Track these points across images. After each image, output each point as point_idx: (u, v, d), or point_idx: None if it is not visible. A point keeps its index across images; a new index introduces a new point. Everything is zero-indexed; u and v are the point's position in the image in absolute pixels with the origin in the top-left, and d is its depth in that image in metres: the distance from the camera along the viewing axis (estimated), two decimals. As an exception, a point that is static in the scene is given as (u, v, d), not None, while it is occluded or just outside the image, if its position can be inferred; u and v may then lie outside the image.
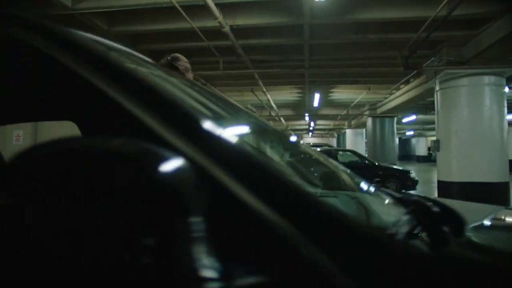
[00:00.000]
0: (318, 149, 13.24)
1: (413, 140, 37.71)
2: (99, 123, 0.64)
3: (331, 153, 11.56)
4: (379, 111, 15.64)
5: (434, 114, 16.68)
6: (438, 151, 7.73)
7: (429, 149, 29.64)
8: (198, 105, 0.81)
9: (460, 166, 7.33)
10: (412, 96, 10.72)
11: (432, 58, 7.63)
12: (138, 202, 0.42)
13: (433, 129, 28.24)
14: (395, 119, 16.59)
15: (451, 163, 7.49)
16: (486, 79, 7.20)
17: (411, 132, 32.44)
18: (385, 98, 14.03)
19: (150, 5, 5.54)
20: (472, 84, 7.26)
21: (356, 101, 14.30)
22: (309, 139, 34.30)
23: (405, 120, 18.93)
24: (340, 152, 12.79)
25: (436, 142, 7.76)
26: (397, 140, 17.93)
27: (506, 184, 7.34)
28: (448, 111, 7.64)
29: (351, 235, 0.56)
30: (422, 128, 25.55)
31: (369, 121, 16.97)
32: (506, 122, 7.36)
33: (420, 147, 35.43)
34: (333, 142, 30.83)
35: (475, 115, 7.21)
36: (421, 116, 17.40)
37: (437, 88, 7.86)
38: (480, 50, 6.66)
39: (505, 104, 7.31)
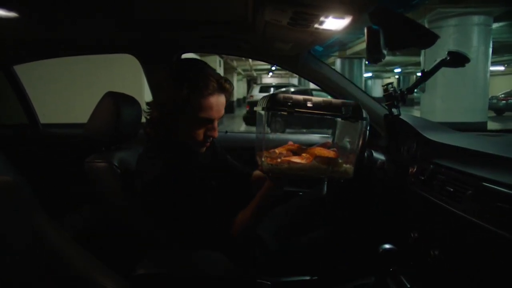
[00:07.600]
0: (283, 89, 13.05)
1: (369, 82, 38.65)
2: None
3: (307, 92, 11.46)
4: (348, 52, 15.53)
5: (399, 55, 16.92)
6: (424, 92, 7.83)
7: (384, 90, 30.52)
8: None
9: (444, 107, 7.51)
10: (390, 36, 10.59)
11: (423, -4, 7.44)
12: None
13: (391, 71, 28.74)
14: (364, 60, 16.65)
15: (436, 104, 7.64)
16: (476, 18, 7.19)
17: (369, 74, 33.04)
18: (358, 38, 13.86)
19: None
20: (462, 24, 7.24)
21: (330, 42, 14.03)
22: (269, 79, 33.81)
23: (369, 61, 19.04)
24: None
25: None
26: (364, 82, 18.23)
27: (484, 124, 7.68)
28: (436, 51, 7.60)
29: None
30: (384, 70, 26.00)
31: (338, 62, 16.90)
32: (490, 63, 7.53)
33: (376, 89, 36.46)
34: (294, 82, 30.65)
35: (463, 56, 7.25)
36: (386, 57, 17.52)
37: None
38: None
39: (491, 45, 7.42)
